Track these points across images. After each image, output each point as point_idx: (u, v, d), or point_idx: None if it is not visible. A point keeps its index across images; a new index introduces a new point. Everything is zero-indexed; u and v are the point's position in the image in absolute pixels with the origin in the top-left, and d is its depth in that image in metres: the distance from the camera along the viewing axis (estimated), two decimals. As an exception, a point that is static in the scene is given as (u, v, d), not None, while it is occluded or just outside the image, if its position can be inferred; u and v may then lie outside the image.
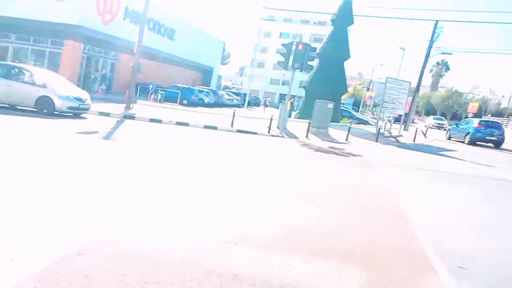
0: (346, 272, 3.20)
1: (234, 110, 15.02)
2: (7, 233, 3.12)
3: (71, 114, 12.15)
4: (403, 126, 23.09)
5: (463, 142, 20.62)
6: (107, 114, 14.17)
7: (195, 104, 27.38)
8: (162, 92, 23.75)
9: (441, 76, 66.11)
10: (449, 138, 22.19)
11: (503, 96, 69.40)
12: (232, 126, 14.29)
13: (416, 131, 19.57)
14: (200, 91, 29.85)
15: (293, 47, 14.21)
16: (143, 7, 16.09)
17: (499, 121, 38.37)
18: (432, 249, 3.88)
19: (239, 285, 2.78)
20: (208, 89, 33.24)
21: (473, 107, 40.50)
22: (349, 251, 3.63)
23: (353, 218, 4.68)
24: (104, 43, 25.49)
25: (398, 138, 18.59)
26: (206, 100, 29.48)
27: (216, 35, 50.60)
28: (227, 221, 4.04)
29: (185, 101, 26.44)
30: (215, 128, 13.95)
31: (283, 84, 60.74)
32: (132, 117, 14.21)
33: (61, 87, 12.28)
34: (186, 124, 13.87)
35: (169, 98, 25.01)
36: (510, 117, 47.42)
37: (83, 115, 12.64)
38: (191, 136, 11.26)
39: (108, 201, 4.21)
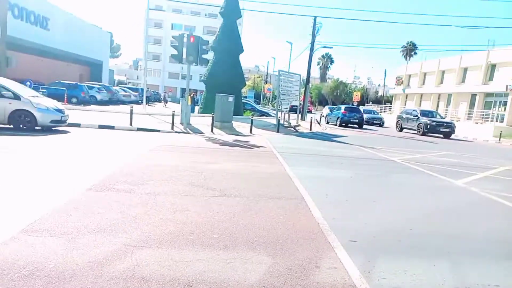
0: (253, 259, 3.31)
1: (132, 107, 14.12)
2: None
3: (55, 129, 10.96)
4: (300, 116, 24.84)
5: (335, 125, 25.35)
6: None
7: (86, 102, 25.02)
8: (44, 90, 21.01)
9: (328, 68, 72.78)
10: (327, 122, 26.38)
11: (379, 85, 79.74)
12: (131, 124, 13.46)
13: (311, 120, 21.25)
14: (91, 88, 27.37)
15: (185, 40, 13.92)
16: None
17: (373, 108, 44.26)
18: (329, 228, 4.28)
19: (147, 286, 2.67)
20: (100, 85, 30.65)
21: (356, 96, 45.68)
22: (254, 239, 3.77)
23: (256, 206, 4.85)
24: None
25: (296, 128, 19.94)
26: (99, 97, 27.21)
27: (100, 26, 46.67)
28: (125, 222, 3.80)
29: (74, 100, 24.00)
30: (112, 127, 12.96)
31: (183, 78, 59.44)
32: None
33: (37, 98, 10.67)
34: (77, 125, 12.56)
35: (53, 96, 22.14)
36: (386, 103, 54.80)
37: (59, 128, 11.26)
38: (84, 138, 10.24)
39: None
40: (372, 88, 78.09)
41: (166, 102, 38.31)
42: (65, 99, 22.73)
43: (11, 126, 10.15)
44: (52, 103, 11.09)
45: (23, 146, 8.11)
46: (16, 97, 10.06)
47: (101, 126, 12.90)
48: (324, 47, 29.72)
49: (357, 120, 24.82)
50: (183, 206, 4.62)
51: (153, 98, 42.10)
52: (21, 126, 10.12)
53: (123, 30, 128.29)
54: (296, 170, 7.65)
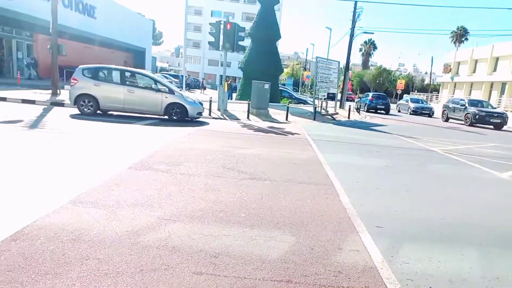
0: (277, 237, 3.46)
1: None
2: None
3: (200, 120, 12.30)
4: (338, 104, 24.37)
5: (364, 110, 26.12)
6: (32, 102, 13.07)
7: (131, 89, 26.10)
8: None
9: (371, 54, 70.06)
10: (357, 109, 26.06)
11: (425, 73, 75.81)
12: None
13: (350, 108, 20.79)
14: (135, 74, 28.44)
15: (222, 27, 14.07)
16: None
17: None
18: (356, 213, 4.31)
19: (177, 255, 2.91)
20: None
21: (400, 84, 43.80)
22: (280, 220, 3.90)
23: (284, 190, 4.97)
24: (12, 21, 22.78)
25: (334, 116, 19.63)
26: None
27: (143, 14, 48.15)
28: (161, 198, 4.08)
29: (119, 86, 25.07)
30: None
31: (223, 65, 60.26)
32: (60, 104, 13.26)
33: (185, 92, 12.27)
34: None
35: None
36: (433, 92, 52.05)
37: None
38: (125, 121, 10.84)
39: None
40: (418, 76, 74.40)
41: (204, 89, 39.07)
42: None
43: (166, 117, 11.43)
44: (195, 97, 12.50)
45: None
46: (171, 91, 11.35)
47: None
48: (365, 32, 28.61)
49: (383, 106, 26.71)
50: (214, 187, 4.85)
51: (193, 85, 43.05)
52: (174, 117, 11.39)
53: (165, 17, 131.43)
54: (328, 157, 7.64)
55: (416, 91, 56.20)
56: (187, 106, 11.33)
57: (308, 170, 6.34)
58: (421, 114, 28.25)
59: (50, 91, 15.51)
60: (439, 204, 5.07)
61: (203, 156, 6.67)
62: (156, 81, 11.44)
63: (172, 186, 4.70)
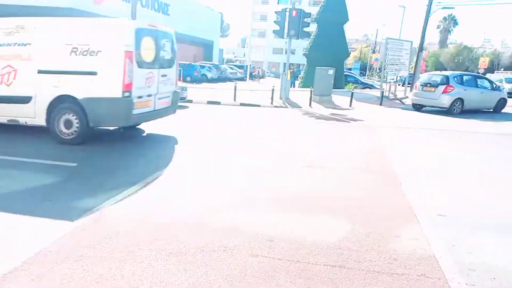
0: (333, 223, 3.54)
1: (235, 83, 15.10)
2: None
3: None
4: (409, 87, 22.85)
5: None
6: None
7: (198, 81, 27.44)
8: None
9: (450, 32, 63.88)
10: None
11: (516, 48, 67.06)
12: (235, 100, 14.47)
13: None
14: (202, 67, 29.80)
15: (287, 14, 14.00)
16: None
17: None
18: (417, 201, 4.18)
19: (237, 235, 3.17)
20: (210, 64, 33.08)
21: (483, 62, 39.48)
22: (337, 206, 3.96)
23: (345, 178, 4.97)
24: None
25: (403, 100, 18.52)
26: (209, 75, 29.48)
27: (212, 7, 49.67)
28: (235, 184, 4.39)
29: (188, 78, 26.50)
30: (218, 103, 14.16)
31: (287, 53, 59.90)
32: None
33: None
34: (189, 101, 14.10)
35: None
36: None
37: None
38: (196, 112, 11.53)
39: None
40: (507, 52, 66.07)
41: (261, 78, 38.81)
42: (181, 78, 25.36)
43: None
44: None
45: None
46: (500, 89, 14.53)
47: (209, 102, 14.22)
48: (445, 7, 26.08)
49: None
50: (273, 177, 5.04)
51: (258, 75, 43.64)
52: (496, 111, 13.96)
53: (233, 8, 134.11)
54: (392, 143, 7.38)
55: (502, 69, 50.13)
56: None
57: (369, 157, 6.21)
58: None
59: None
60: (510, 192, 4.66)
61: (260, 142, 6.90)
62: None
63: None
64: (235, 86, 14.73)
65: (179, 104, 12.26)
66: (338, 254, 2.97)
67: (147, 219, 3.45)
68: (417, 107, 14.56)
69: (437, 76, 14.66)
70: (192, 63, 28.69)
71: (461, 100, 13.13)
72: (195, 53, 41.04)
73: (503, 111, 14.58)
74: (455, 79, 13.62)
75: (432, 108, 13.87)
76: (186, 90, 12.59)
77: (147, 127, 7.45)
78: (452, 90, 13.11)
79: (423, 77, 15.53)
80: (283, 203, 4.00)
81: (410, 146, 7.45)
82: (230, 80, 32.63)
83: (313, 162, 5.74)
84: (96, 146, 6.04)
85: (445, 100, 13.17)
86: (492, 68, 48.36)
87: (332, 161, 5.83)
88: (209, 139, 7.13)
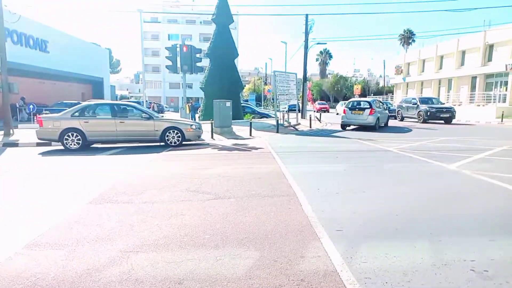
0: (242, 254, 3.54)
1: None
2: None
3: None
4: (299, 114, 25.00)
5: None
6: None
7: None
8: (47, 112, 21.48)
9: (327, 63, 72.71)
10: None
11: (380, 76, 79.45)
12: (132, 137, 13.75)
13: (311, 117, 21.40)
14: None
15: (178, 50, 14.23)
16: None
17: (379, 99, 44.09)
18: (317, 220, 4.48)
19: (141, 287, 2.91)
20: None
21: (357, 89, 45.67)
22: (244, 236, 3.99)
23: (248, 205, 5.07)
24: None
25: (296, 127, 20.12)
26: (102, 114, 27.58)
27: (99, 43, 47.66)
28: (122, 230, 4.04)
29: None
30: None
31: (183, 87, 60.10)
32: (14, 144, 12.70)
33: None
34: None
35: (58, 117, 22.79)
36: (388, 94, 54.59)
37: None
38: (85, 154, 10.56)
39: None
40: (373, 79, 77.93)
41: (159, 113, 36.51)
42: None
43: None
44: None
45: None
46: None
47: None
48: (319, 43, 29.85)
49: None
50: (178, 211, 4.86)
51: (158, 110, 42.57)
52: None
53: (122, 45, 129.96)
54: (291, 168, 7.85)
55: (372, 94, 58.74)
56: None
57: (272, 183, 6.48)
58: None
59: (2, 132, 14.80)
60: (393, 201, 5.36)
61: (166, 181, 6.65)
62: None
63: (134, 216, 4.66)
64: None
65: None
66: (249, 285, 2.96)
67: (34, 283, 2.94)
68: (345, 127, 18.44)
69: (362, 102, 18.47)
70: (81, 102, 26.51)
71: (378, 119, 17.72)
72: (83, 91, 38.26)
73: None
74: (374, 103, 18.10)
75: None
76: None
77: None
78: (374, 112, 17.42)
79: (349, 104, 18.79)
80: (190, 241, 3.85)
81: (307, 168, 8.03)
82: (125, 117, 31.02)
83: (219, 193, 5.73)
84: None
85: (371, 119, 17.30)
86: (364, 93, 56.26)
87: (238, 191, 5.90)
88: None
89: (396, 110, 25.84)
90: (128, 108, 12.39)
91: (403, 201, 5.41)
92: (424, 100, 23.45)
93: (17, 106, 23.13)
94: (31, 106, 20.54)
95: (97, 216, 4.69)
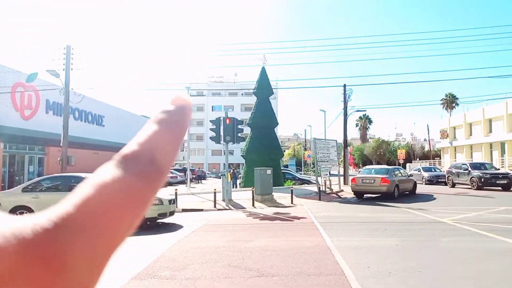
0: None
1: (176, 189, 14.86)
2: None
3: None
4: (342, 180, 24.46)
5: None
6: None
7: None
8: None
9: (367, 128, 72.39)
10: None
11: (424, 140, 77.22)
12: (176, 206, 14.04)
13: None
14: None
15: (221, 122, 14.97)
16: (64, 100, 16.14)
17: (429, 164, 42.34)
18: (370, 305, 4.11)
19: None
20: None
21: (401, 154, 44.47)
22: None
23: (295, 284, 4.79)
24: (27, 139, 24.37)
25: (339, 194, 19.57)
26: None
27: (150, 116, 51.79)
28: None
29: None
30: (158, 211, 13.58)
31: (225, 154, 62.09)
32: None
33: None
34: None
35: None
36: (435, 158, 52.37)
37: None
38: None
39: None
40: (417, 143, 75.66)
41: (202, 179, 33.25)
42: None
43: None
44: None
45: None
46: None
47: (148, 211, 13.59)
48: (358, 110, 30.13)
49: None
50: (221, 290, 4.70)
51: (200, 177, 43.82)
52: None
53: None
54: (336, 241, 7.48)
55: (418, 159, 56.65)
56: None
57: (317, 259, 6.17)
58: (437, 183, 25.71)
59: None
60: (454, 283, 4.83)
61: (208, 255, 6.55)
62: None
63: (177, 295, 4.56)
64: (176, 192, 14.42)
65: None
66: None
67: None
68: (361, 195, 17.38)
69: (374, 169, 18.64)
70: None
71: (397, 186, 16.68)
72: (134, 160, 40.55)
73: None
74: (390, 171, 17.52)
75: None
76: None
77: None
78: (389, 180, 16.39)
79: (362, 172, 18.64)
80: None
81: (354, 242, 7.61)
82: (170, 184, 32.10)
83: (262, 270, 5.52)
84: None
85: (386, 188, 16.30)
86: (409, 158, 54.43)
87: (281, 267, 5.65)
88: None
89: (446, 176, 24.47)
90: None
91: (464, 283, 4.86)
92: (476, 166, 22.11)
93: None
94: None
95: (140, 293, 4.65)
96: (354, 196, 18.57)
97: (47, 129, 24.05)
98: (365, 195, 17.21)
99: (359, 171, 34.69)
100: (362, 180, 17.10)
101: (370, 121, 71.34)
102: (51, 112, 26.40)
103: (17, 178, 24.86)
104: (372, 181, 16.54)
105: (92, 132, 31.03)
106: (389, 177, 16.51)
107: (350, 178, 25.23)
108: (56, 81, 16.48)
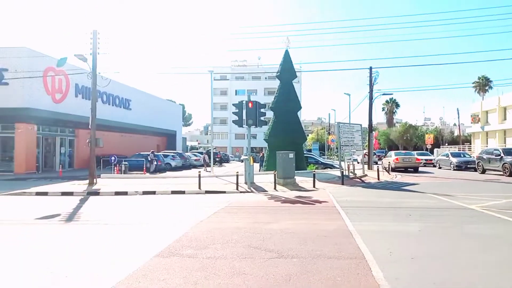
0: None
1: (199, 171, 15.12)
2: None
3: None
4: (366, 165, 24.07)
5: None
6: (70, 193, 13.84)
7: (162, 170, 27.20)
8: (126, 163, 23.51)
9: (394, 112, 70.28)
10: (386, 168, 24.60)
11: (454, 125, 74.35)
12: (200, 188, 14.32)
13: (378, 169, 20.41)
14: (166, 156, 29.88)
15: (244, 106, 14.96)
16: (91, 84, 16.57)
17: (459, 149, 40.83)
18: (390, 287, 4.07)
19: None
20: (174, 152, 33.36)
21: (429, 139, 43.12)
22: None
23: (313, 267, 4.80)
24: (58, 122, 25.45)
25: (362, 178, 19.28)
26: (173, 163, 29.44)
27: (175, 100, 52.65)
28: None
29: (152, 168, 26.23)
30: (183, 192, 13.92)
31: (248, 138, 62.34)
32: (96, 193, 13.95)
33: None
34: (153, 193, 13.78)
35: (135, 167, 24.79)
36: (464, 143, 50.43)
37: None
38: (157, 205, 11.15)
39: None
40: (446, 128, 72.98)
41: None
42: (144, 168, 25.06)
43: None
44: None
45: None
46: None
47: (173, 192, 13.94)
48: (384, 94, 29.17)
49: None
50: (241, 270, 4.78)
51: (223, 160, 44.36)
52: None
53: (194, 100, 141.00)
54: (358, 225, 7.41)
55: (446, 144, 54.77)
56: None
57: (338, 242, 6.14)
58: (466, 169, 24.95)
59: (87, 181, 16.41)
60: (479, 271, 4.69)
61: (229, 236, 6.66)
62: None
63: (198, 273, 4.68)
64: (199, 174, 14.69)
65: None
66: None
67: None
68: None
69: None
70: (156, 153, 28.74)
71: None
72: (158, 143, 41.58)
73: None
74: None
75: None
76: None
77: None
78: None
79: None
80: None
81: (376, 227, 7.51)
82: (195, 166, 32.69)
83: (282, 252, 5.56)
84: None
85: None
86: (437, 143, 52.68)
87: (301, 250, 5.67)
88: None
89: (476, 162, 23.56)
90: None
91: (490, 273, 4.70)
92: (510, 152, 21.12)
93: (149, 158, 25.68)
94: (112, 158, 22.71)
95: (163, 270, 4.80)
96: (379, 181, 18.28)
97: (76, 112, 24.92)
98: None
99: (377, 155, 33.95)
100: (403, 159, 25.00)
101: (397, 105, 69.17)
102: (80, 95, 27.27)
103: (49, 158, 26.05)
104: (410, 160, 25.07)
105: (120, 115, 31.89)
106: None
107: (374, 162, 25.24)
108: (84, 65, 16.86)
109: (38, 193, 13.89)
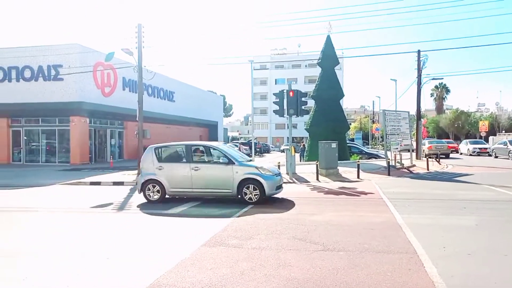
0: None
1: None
2: None
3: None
4: (414, 155, 22.96)
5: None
6: (121, 183, 14.58)
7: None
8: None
9: (444, 98, 66.22)
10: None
11: (512, 110, 68.61)
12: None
13: (427, 159, 19.41)
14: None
15: (285, 95, 14.75)
16: (138, 77, 17.17)
17: None
18: (445, 287, 3.84)
19: None
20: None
21: (483, 126, 40.25)
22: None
23: (361, 261, 4.65)
24: (108, 114, 26.77)
25: (410, 169, 18.45)
26: (215, 154, 29.91)
27: (215, 91, 53.42)
28: (234, 277, 4.09)
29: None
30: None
31: (289, 127, 61.92)
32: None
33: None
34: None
35: (180, 157, 25.51)
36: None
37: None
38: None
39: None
40: (504, 114, 67.52)
41: (265, 153, 27.80)
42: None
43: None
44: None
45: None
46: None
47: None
48: (434, 79, 27.43)
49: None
50: (286, 261, 4.75)
51: (263, 150, 44.50)
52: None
53: (235, 90, 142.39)
54: (407, 218, 7.09)
55: (504, 131, 50.71)
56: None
57: (386, 235, 5.91)
58: None
59: (136, 172, 17.20)
60: (552, 272, 4.29)
61: (273, 227, 6.66)
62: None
63: (244, 263, 4.72)
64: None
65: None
66: None
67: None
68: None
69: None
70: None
71: None
72: (201, 134, 42.57)
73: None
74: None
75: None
76: None
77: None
78: None
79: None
80: (299, 298, 3.68)
81: (427, 220, 7.14)
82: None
83: (327, 244, 5.46)
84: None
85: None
86: (493, 130, 48.97)
87: (348, 242, 5.53)
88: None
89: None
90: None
91: None
92: None
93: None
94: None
95: (210, 259, 4.90)
96: (428, 171, 17.39)
97: (124, 104, 26.08)
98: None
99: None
100: (436, 146, 28.01)
101: (448, 90, 65.04)
102: (127, 89, 28.49)
103: (101, 150, 27.62)
104: (442, 147, 28.30)
105: (164, 107, 32.99)
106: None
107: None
108: (130, 59, 17.52)
109: (92, 183, 14.77)
